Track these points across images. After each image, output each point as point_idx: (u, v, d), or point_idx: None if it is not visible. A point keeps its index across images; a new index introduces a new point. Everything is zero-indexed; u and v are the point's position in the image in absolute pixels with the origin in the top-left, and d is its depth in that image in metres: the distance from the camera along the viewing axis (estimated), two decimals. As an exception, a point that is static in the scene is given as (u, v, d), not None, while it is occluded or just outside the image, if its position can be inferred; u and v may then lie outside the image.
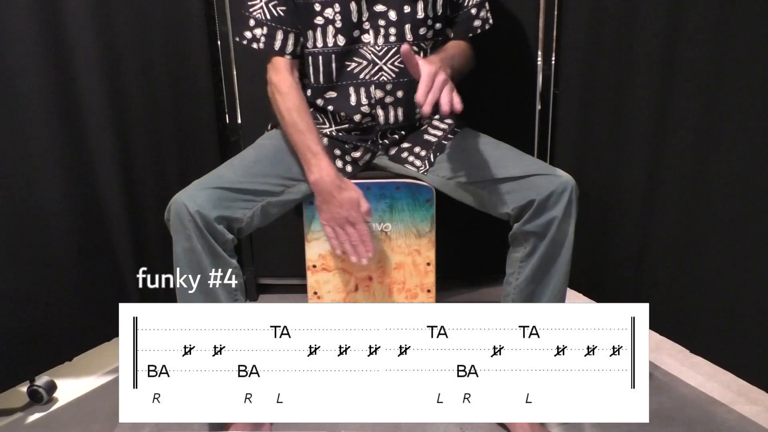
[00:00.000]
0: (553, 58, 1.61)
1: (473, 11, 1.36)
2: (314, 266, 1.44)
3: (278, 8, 1.27)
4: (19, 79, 1.26)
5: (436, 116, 1.40)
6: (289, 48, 1.30)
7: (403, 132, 1.37)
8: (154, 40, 1.49)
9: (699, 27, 1.19)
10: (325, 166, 1.26)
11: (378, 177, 1.38)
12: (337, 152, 1.35)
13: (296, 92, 1.30)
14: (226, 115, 1.70)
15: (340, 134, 1.35)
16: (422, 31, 1.29)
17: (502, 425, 1.30)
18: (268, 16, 1.28)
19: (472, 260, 1.86)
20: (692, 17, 1.20)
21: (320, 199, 1.28)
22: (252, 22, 1.29)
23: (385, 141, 1.36)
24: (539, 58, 1.66)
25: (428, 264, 1.44)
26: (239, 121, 1.72)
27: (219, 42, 1.64)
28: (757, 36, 1.10)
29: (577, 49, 1.49)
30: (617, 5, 1.36)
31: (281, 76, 1.31)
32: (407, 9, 1.26)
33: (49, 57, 1.30)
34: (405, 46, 1.09)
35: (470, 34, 1.38)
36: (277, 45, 1.29)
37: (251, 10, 1.28)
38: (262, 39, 1.29)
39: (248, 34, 1.29)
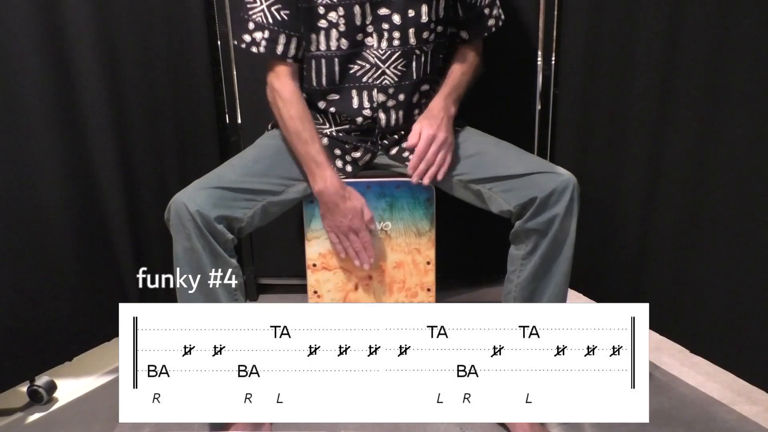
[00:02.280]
0: (553, 58, 1.61)
1: (486, 11, 1.35)
2: (314, 265, 1.44)
3: (282, 12, 1.25)
4: (19, 79, 1.26)
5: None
6: (292, 52, 1.29)
7: (403, 132, 1.37)
8: (154, 40, 1.49)
9: (699, 27, 1.19)
10: (330, 176, 1.27)
11: (378, 176, 1.38)
12: (337, 152, 1.35)
13: (299, 99, 1.30)
14: (226, 115, 1.70)
15: (340, 134, 1.35)
16: (425, 34, 1.28)
17: (502, 425, 1.30)
18: (270, 20, 1.25)
19: (472, 259, 1.86)
20: (692, 17, 1.20)
21: (324, 208, 1.31)
22: (251, 26, 1.26)
23: (385, 141, 1.36)
24: (539, 58, 1.66)
25: (428, 263, 1.44)
26: (239, 121, 1.71)
27: (219, 42, 1.64)
28: (757, 36, 1.10)
29: (577, 49, 1.49)
30: (617, 5, 1.36)
31: (283, 81, 1.29)
32: (411, 13, 1.26)
33: (49, 57, 1.30)
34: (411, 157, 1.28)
35: (486, 34, 1.37)
36: (280, 49, 1.27)
37: (250, 12, 1.25)
38: (263, 43, 1.26)
39: (247, 38, 1.27)
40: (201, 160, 1.61)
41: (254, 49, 1.27)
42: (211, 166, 1.32)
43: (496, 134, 1.38)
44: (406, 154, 1.36)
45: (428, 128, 1.26)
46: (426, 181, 1.27)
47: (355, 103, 1.31)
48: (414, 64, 1.30)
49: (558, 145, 1.63)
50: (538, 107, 1.69)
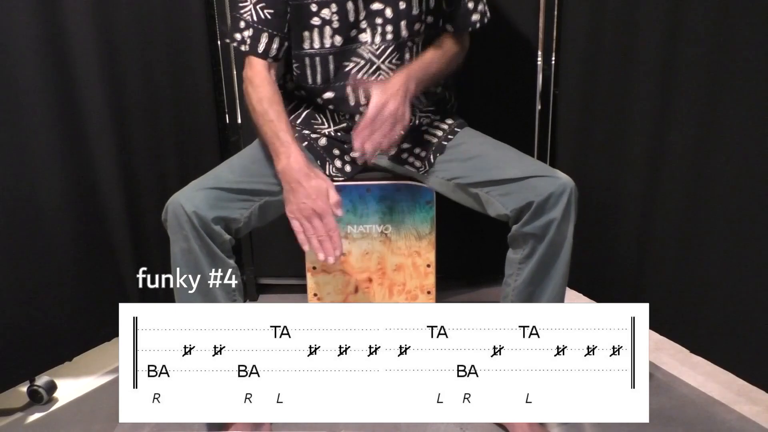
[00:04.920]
0: (553, 58, 1.61)
1: (470, 5, 1.33)
2: (314, 268, 1.44)
3: (265, 11, 1.25)
4: (19, 79, 1.26)
5: (437, 116, 1.39)
6: (273, 52, 1.28)
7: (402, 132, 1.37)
8: (154, 40, 1.49)
9: (699, 27, 1.20)
10: (294, 152, 1.19)
11: (378, 179, 1.38)
12: (336, 152, 1.35)
13: (268, 85, 1.27)
14: (226, 115, 1.70)
15: (339, 134, 1.35)
16: (417, 26, 1.28)
17: (502, 425, 1.30)
18: (255, 18, 1.26)
19: (472, 261, 1.86)
20: (692, 17, 1.20)
21: (287, 188, 1.20)
22: (242, 24, 1.27)
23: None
24: (539, 58, 1.66)
25: (428, 265, 1.44)
26: (239, 121, 1.72)
27: (219, 42, 1.64)
28: (757, 36, 1.10)
29: (577, 49, 1.49)
30: (617, 5, 1.36)
31: (255, 70, 1.28)
32: (402, 5, 1.25)
33: (49, 57, 1.30)
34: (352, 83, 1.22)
35: (469, 29, 1.36)
36: (261, 48, 1.27)
37: (242, 11, 1.27)
38: (248, 41, 1.27)
39: (238, 36, 1.28)
40: (201, 160, 1.61)
41: (242, 48, 1.28)
42: (211, 166, 1.32)
43: (496, 134, 1.38)
44: (405, 155, 1.36)
45: (379, 95, 1.16)
46: (368, 147, 1.16)
47: (352, 101, 1.31)
48: (407, 56, 1.29)
49: (558, 145, 1.63)
50: (538, 107, 1.69)
